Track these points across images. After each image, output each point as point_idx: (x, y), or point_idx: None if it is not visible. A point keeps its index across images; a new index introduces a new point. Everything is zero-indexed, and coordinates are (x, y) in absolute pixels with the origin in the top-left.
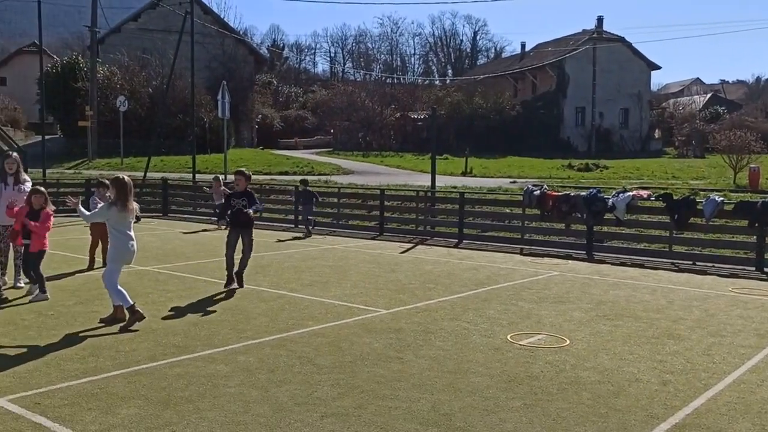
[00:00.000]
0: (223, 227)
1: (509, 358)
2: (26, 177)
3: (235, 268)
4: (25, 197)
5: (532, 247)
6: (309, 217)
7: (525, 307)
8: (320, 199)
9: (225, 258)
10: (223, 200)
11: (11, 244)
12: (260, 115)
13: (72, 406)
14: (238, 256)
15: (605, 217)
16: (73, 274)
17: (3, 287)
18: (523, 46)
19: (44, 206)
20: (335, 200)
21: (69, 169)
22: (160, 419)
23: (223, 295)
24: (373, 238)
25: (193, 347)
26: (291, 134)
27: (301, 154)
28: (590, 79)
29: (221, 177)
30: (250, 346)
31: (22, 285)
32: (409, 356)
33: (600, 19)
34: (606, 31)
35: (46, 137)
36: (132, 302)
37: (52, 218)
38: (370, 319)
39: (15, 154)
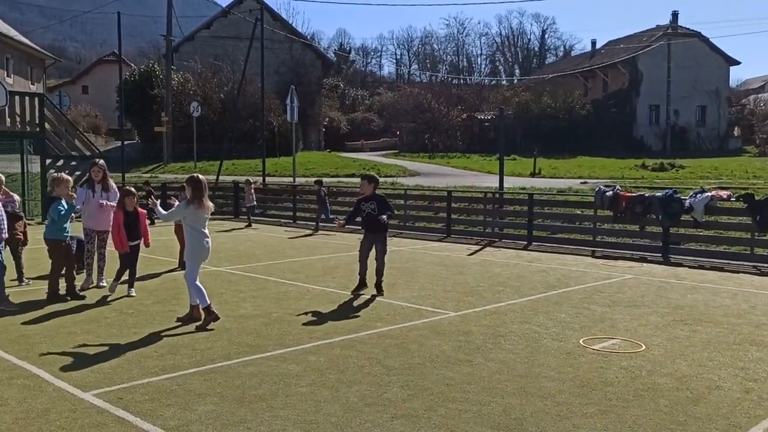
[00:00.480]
0: (339, 224)
1: (582, 362)
2: (112, 183)
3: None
4: (113, 203)
5: (605, 250)
6: (323, 216)
7: (598, 310)
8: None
9: (359, 264)
10: (254, 203)
11: (94, 247)
12: (327, 118)
13: (152, 402)
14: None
15: (682, 218)
16: (159, 274)
17: (88, 288)
18: (593, 43)
19: (136, 207)
20: (401, 202)
21: (146, 173)
22: (236, 416)
23: (293, 296)
24: (440, 240)
25: (265, 347)
26: (357, 137)
27: (368, 156)
28: (665, 75)
29: (253, 180)
30: (320, 346)
31: (104, 284)
32: (478, 359)
33: (675, 14)
34: (681, 26)
35: (125, 143)
36: (209, 302)
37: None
38: (438, 321)
39: (101, 161)
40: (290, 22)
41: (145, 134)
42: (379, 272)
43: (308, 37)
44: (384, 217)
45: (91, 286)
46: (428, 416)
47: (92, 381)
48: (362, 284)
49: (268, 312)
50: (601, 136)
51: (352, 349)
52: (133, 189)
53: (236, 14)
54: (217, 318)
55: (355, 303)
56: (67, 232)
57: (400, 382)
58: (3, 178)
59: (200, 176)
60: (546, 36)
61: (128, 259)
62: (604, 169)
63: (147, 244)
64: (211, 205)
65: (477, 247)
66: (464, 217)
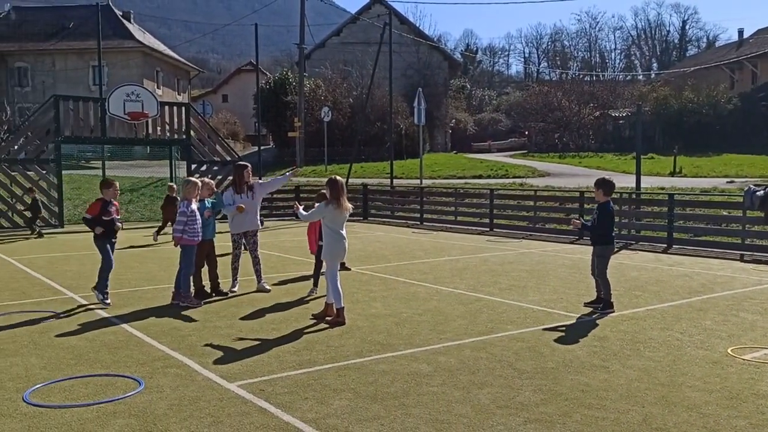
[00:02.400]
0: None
1: (730, 373)
2: (256, 185)
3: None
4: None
5: (755, 253)
6: None
7: (748, 318)
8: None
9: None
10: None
11: (241, 250)
12: (454, 120)
13: (290, 395)
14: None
15: None
16: (300, 277)
17: (234, 291)
18: (740, 32)
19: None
20: (531, 203)
21: (280, 176)
22: (369, 412)
23: (422, 297)
24: (572, 243)
25: (396, 345)
26: (484, 137)
27: (495, 156)
28: None
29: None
30: (450, 347)
31: (268, 288)
32: (615, 366)
33: None
34: None
35: (261, 148)
36: (342, 305)
37: None
38: (571, 325)
39: (248, 164)
40: (417, 25)
41: (279, 139)
42: (604, 290)
43: (435, 39)
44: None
45: (249, 291)
46: (563, 422)
47: (236, 372)
48: (598, 301)
49: (397, 312)
50: (750, 131)
51: (482, 351)
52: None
53: (365, 20)
54: (343, 323)
55: (485, 305)
56: (213, 232)
57: (532, 386)
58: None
59: (338, 178)
60: (687, 27)
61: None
62: (754, 167)
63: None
64: (349, 206)
65: None
66: None
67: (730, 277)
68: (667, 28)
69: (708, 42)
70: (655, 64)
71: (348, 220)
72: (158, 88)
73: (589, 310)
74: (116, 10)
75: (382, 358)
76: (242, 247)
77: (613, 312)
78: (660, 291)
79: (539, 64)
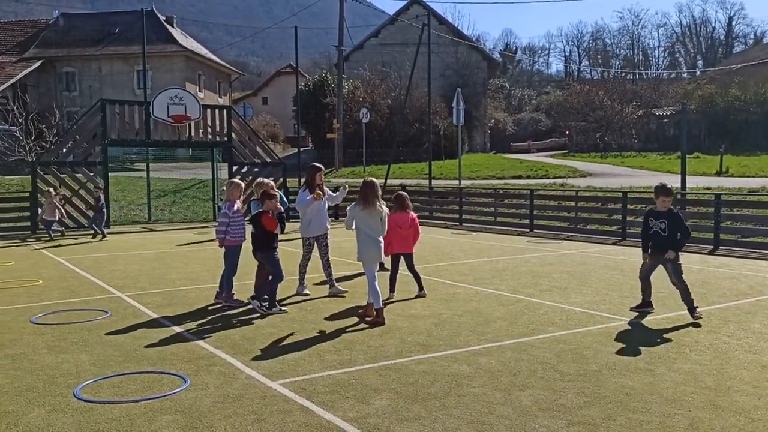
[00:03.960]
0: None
1: None
2: (327, 189)
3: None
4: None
5: None
6: None
7: None
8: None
9: (640, 282)
10: (55, 218)
11: (310, 254)
12: (493, 120)
13: (332, 394)
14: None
15: None
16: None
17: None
18: None
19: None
20: (572, 204)
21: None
22: (410, 412)
23: (462, 298)
24: (614, 244)
25: (436, 346)
26: (524, 137)
27: (535, 157)
28: None
29: (56, 192)
30: (490, 348)
31: (343, 292)
32: (660, 369)
33: None
34: None
35: (300, 149)
36: (381, 306)
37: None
38: (614, 327)
39: (322, 166)
40: (456, 25)
41: (318, 141)
42: (683, 293)
43: (474, 39)
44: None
45: (324, 295)
46: (607, 425)
47: (278, 371)
48: (645, 305)
49: (437, 312)
50: None
51: (523, 353)
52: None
53: (403, 21)
54: (382, 323)
55: (525, 307)
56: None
57: (575, 389)
58: (270, 182)
59: (370, 179)
60: (733, 23)
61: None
62: None
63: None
64: (381, 208)
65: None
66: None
67: None
68: (713, 25)
69: (755, 38)
70: (700, 62)
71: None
72: (200, 91)
73: (634, 314)
74: (160, 16)
75: (422, 359)
76: (311, 250)
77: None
78: (706, 293)
79: (580, 62)
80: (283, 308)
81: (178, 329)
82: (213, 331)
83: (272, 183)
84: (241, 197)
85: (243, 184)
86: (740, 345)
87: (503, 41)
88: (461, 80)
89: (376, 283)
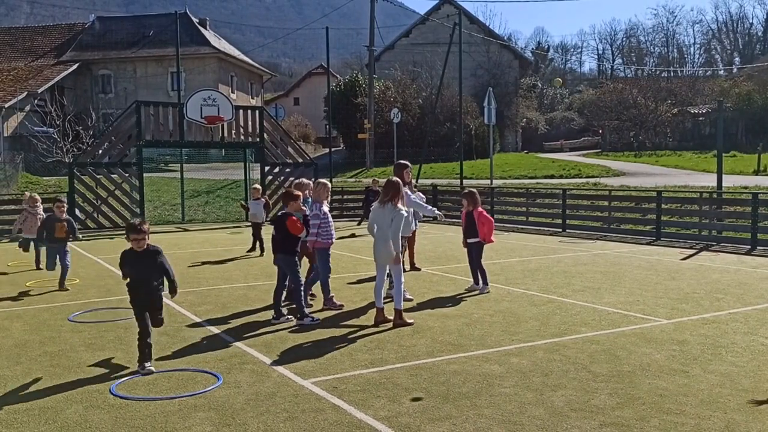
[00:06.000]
0: None
1: None
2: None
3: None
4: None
5: None
6: None
7: None
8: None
9: None
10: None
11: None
12: (524, 119)
13: (363, 392)
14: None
15: None
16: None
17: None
18: None
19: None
20: (606, 203)
21: (350, 177)
22: (441, 411)
23: (493, 297)
24: (648, 244)
25: (467, 346)
26: (556, 137)
27: (567, 156)
28: None
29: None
30: (522, 348)
31: (411, 298)
32: (695, 370)
33: None
34: None
35: (332, 150)
36: (381, 306)
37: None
38: (649, 328)
39: (408, 163)
40: (487, 24)
41: (349, 141)
42: None
43: (505, 38)
44: None
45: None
46: (641, 426)
47: (310, 370)
48: None
49: (468, 312)
50: None
51: (555, 353)
52: (466, 191)
53: (434, 20)
54: (378, 323)
55: (557, 307)
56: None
57: (608, 390)
58: (310, 184)
59: (391, 179)
60: None
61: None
62: None
63: (488, 240)
64: (394, 205)
65: (691, 252)
66: (676, 219)
67: None
68: (750, 21)
69: None
70: (737, 59)
71: (420, 221)
72: (232, 92)
73: (666, 311)
74: (193, 18)
75: (453, 359)
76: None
77: None
78: (743, 294)
79: (613, 60)
80: (316, 318)
81: (211, 328)
82: (246, 331)
83: (311, 184)
84: (329, 197)
85: (330, 185)
86: None
87: (535, 40)
88: (493, 79)
89: (382, 283)
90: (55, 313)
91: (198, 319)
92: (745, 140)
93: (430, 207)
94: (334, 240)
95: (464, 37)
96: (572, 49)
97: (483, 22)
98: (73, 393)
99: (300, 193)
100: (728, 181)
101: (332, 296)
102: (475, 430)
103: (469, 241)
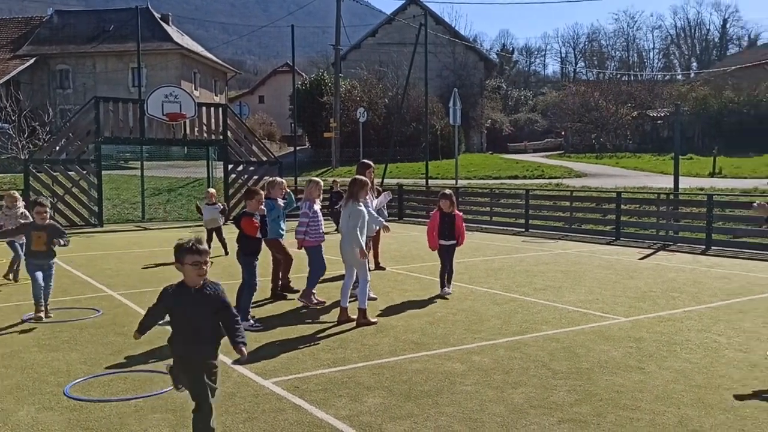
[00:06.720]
0: None
1: None
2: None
3: None
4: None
5: None
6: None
7: None
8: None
9: None
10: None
11: None
12: (489, 120)
13: (325, 392)
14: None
15: None
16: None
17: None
18: None
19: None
20: (567, 204)
21: (316, 176)
22: (403, 410)
23: (456, 296)
24: (608, 243)
25: (430, 345)
26: (520, 138)
27: (531, 157)
28: None
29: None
30: (484, 347)
31: (375, 297)
32: (651, 367)
33: None
34: None
35: (297, 148)
36: (346, 306)
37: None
38: (607, 326)
39: (371, 163)
40: (453, 25)
41: (315, 140)
42: None
43: (471, 40)
44: None
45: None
46: (597, 422)
47: (271, 370)
48: None
49: (432, 311)
50: None
51: (516, 351)
52: (449, 192)
53: (400, 21)
54: (341, 322)
55: (519, 306)
56: (282, 231)
57: (567, 386)
58: (283, 182)
59: (356, 177)
60: (727, 25)
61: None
62: None
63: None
64: (354, 205)
65: (649, 251)
66: (635, 220)
67: None
68: (707, 27)
69: (749, 40)
70: (694, 64)
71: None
72: (196, 89)
73: (624, 309)
74: (155, 13)
75: (416, 357)
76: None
77: None
78: (698, 293)
79: (576, 64)
80: (257, 324)
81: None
82: None
83: (285, 182)
84: (321, 196)
85: (322, 183)
86: (730, 344)
87: (500, 42)
88: (458, 80)
89: (350, 285)
90: (9, 313)
91: None
92: (702, 143)
93: (380, 218)
94: (324, 238)
95: (430, 38)
96: (536, 52)
97: (449, 24)
98: (25, 395)
99: (262, 192)
100: (685, 183)
101: (314, 293)
102: (436, 428)
103: (446, 243)
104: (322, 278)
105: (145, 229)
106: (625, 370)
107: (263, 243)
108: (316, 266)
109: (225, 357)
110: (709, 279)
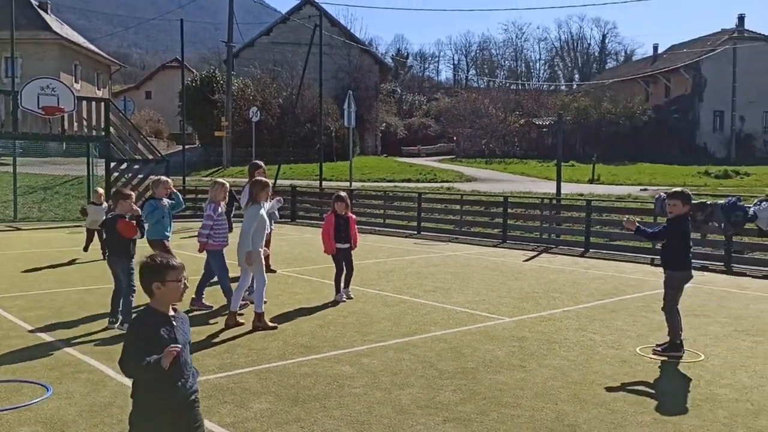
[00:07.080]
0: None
1: (638, 371)
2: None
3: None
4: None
5: None
6: None
7: (656, 319)
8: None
9: None
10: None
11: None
12: (384, 124)
13: (209, 399)
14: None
15: (746, 227)
16: None
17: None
18: (655, 48)
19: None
20: (457, 207)
21: (206, 176)
22: (290, 415)
23: (347, 299)
24: (495, 246)
25: (319, 348)
26: (414, 142)
27: (424, 161)
28: (730, 81)
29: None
30: (374, 348)
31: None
32: (532, 365)
33: (741, 18)
34: (748, 30)
35: (186, 147)
36: (236, 309)
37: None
38: (492, 326)
39: (261, 163)
40: (348, 28)
41: (205, 139)
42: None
43: (366, 43)
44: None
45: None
46: (480, 420)
47: None
48: None
49: (323, 314)
50: (663, 142)
51: (405, 352)
52: (344, 194)
53: (295, 20)
54: (229, 326)
55: (410, 307)
56: (168, 232)
57: (452, 386)
58: (169, 182)
59: (260, 179)
60: (606, 40)
61: (339, 261)
62: (665, 176)
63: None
64: (250, 206)
65: (533, 254)
66: (521, 223)
67: (641, 280)
68: (589, 41)
69: (626, 56)
70: (576, 76)
71: (276, 222)
72: (76, 82)
73: (509, 309)
74: (32, 0)
75: (304, 361)
76: None
77: (680, 355)
78: (576, 293)
79: (468, 71)
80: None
81: (42, 335)
82: (82, 337)
83: (170, 181)
84: (226, 198)
85: (228, 185)
86: (604, 341)
87: (395, 46)
88: (353, 83)
89: (244, 288)
90: None
91: (28, 326)
92: (582, 151)
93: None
94: (228, 242)
95: (325, 39)
96: (430, 58)
97: (344, 26)
98: None
99: (132, 193)
100: (566, 188)
101: (203, 296)
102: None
103: (342, 246)
104: (210, 282)
105: (18, 229)
106: (508, 369)
107: (148, 244)
108: (223, 268)
109: (102, 365)
110: (586, 280)
